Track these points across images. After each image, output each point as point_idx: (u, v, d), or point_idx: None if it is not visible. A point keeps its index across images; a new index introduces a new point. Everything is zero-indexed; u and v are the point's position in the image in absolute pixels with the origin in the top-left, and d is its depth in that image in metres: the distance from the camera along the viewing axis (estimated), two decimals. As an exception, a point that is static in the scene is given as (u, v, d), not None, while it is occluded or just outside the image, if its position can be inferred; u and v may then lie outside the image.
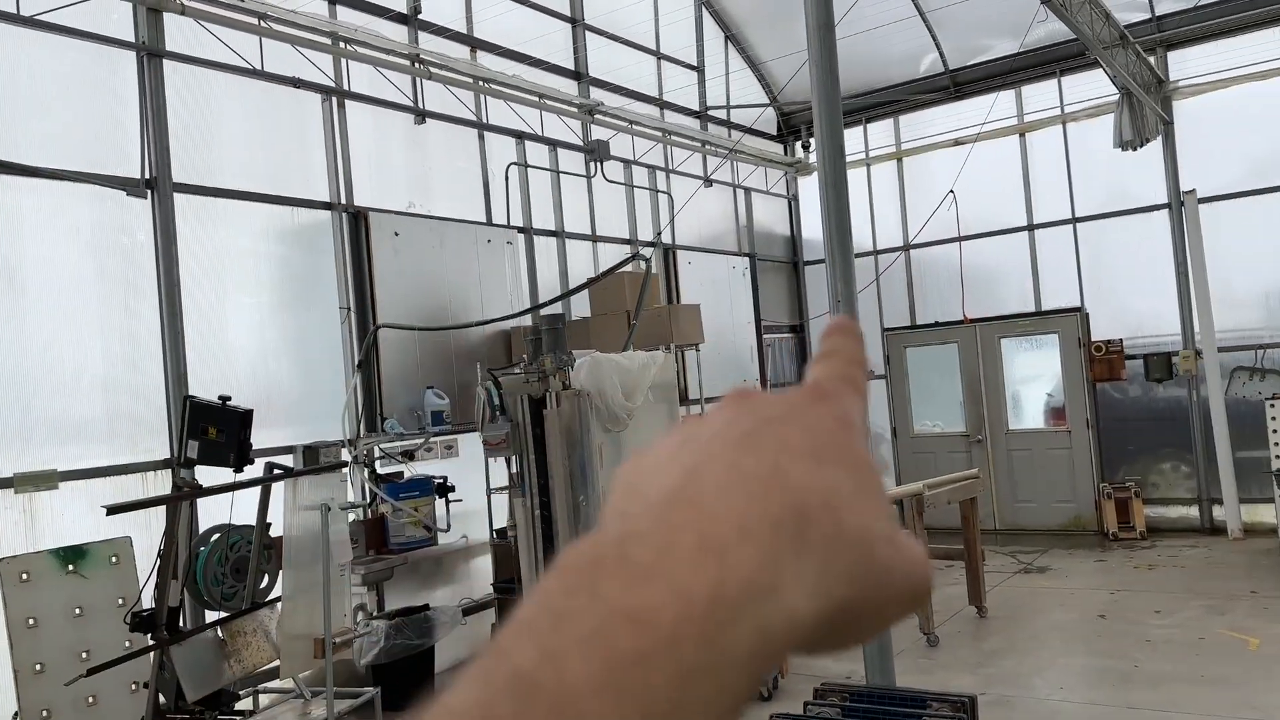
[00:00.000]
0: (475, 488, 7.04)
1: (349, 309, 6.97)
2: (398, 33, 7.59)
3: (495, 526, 7.15)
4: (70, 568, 5.09)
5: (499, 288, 8.11)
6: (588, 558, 0.32)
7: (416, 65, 7.56)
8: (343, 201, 7.06)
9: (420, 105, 7.75)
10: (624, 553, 0.32)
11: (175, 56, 6.08)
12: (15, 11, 5.38)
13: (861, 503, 0.36)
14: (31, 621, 4.96)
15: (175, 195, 5.96)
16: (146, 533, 5.31)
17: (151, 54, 5.94)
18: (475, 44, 8.39)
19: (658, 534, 0.32)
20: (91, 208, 5.72)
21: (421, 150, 7.89)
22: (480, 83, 8.15)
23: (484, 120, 8.37)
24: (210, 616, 5.22)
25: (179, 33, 6.11)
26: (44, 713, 4.91)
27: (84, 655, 4.98)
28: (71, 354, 5.57)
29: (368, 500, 6.46)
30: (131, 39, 5.90)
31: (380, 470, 6.70)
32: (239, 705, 4.89)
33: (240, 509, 5.09)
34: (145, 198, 5.86)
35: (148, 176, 5.87)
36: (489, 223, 8.32)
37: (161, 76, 5.96)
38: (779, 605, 0.32)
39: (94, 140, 5.75)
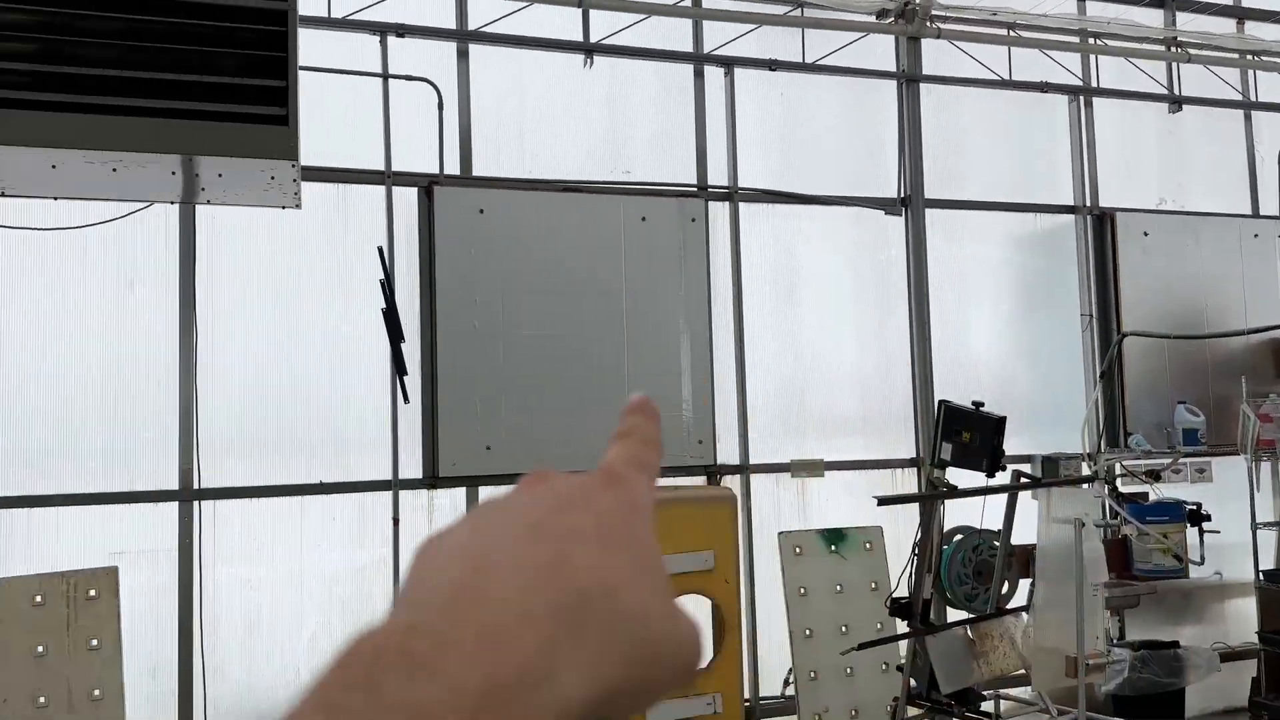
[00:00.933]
0: (1231, 519, 6.21)
1: (1091, 316, 6.67)
2: (1151, 18, 7.02)
3: (1262, 567, 6.21)
4: (832, 548, 5.71)
5: (1267, 289, 7.02)
6: (370, 651, 0.32)
7: (1173, 49, 6.92)
8: (1087, 203, 6.78)
9: (1175, 91, 7.08)
10: (406, 646, 0.32)
11: (929, 79, 6.45)
12: (801, 60, 6.22)
13: (641, 584, 0.37)
14: (802, 591, 5.69)
15: (926, 210, 6.32)
16: (893, 526, 5.72)
17: (909, 80, 6.38)
18: (1242, 14, 7.38)
19: (439, 627, 0.33)
20: (853, 227, 6.36)
21: (1174, 140, 7.20)
22: (1248, 57, 7.15)
23: (1251, 98, 7.32)
24: (951, 614, 5.43)
25: (931, 56, 6.47)
26: (811, 674, 5.59)
27: (843, 629, 5.55)
28: (835, 357, 6.26)
29: (1110, 519, 6.10)
30: (893, 69, 6.42)
31: (1122, 489, 6.28)
32: (984, 706, 4.99)
33: (981, 513, 5.20)
34: (899, 215, 6.33)
35: (902, 195, 6.32)
36: (1255, 214, 7.25)
37: (918, 99, 6.37)
38: (553, 691, 0.32)
39: (857, 165, 6.38)
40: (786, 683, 5.70)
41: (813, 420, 6.15)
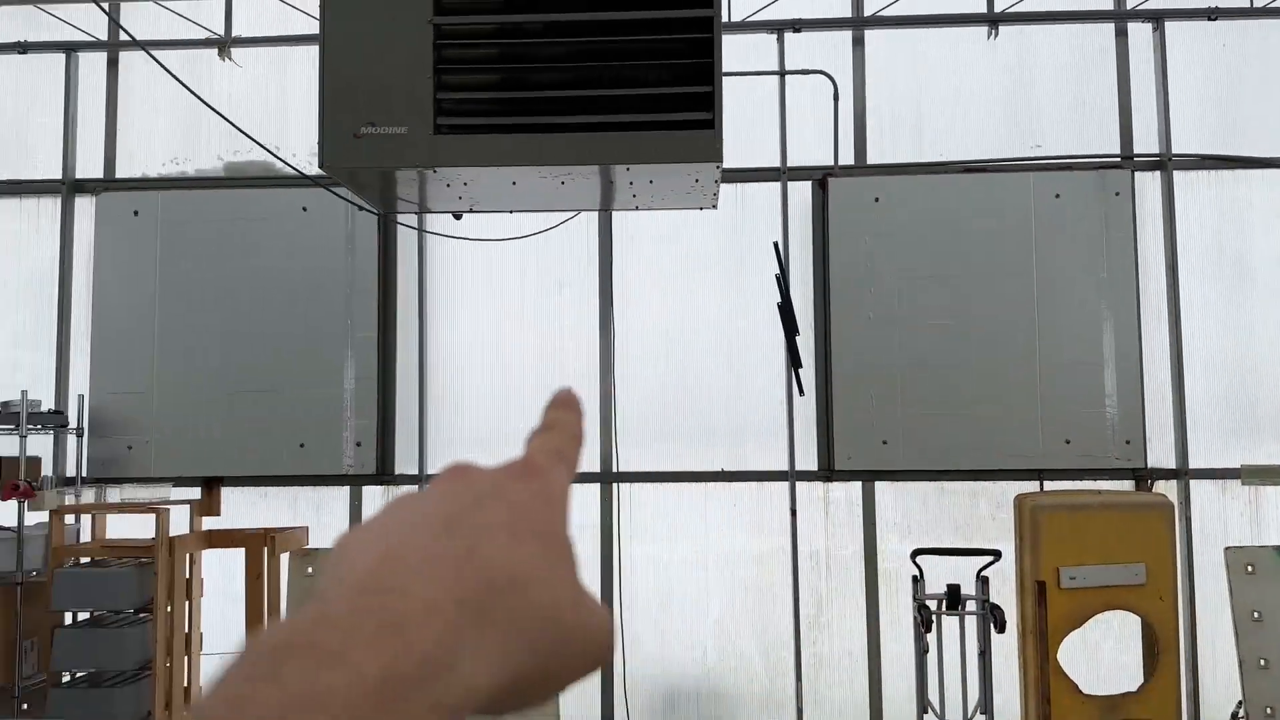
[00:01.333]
0: None
1: None
2: None
3: None
4: (1293, 567, 4.90)
5: None
6: (276, 642, 0.33)
7: None
8: None
9: None
10: (312, 638, 0.32)
11: None
12: (1249, 4, 5.38)
13: (552, 574, 0.39)
14: (1256, 615, 4.94)
15: None
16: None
17: (1399, 9, 5.28)
18: None
19: (346, 618, 0.33)
20: (1319, 192, 5.39)
21: None
22: None
23: None
24: None
25: None
26: (1268, 710, 4.84)
27: (1312, 663, 4.74)
28: (1297, 346, 5.36)
29: None
30: (1375, -2, 5.34)
31: None
32: None
33: None
34: (1386, 173, 5.26)
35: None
36: None
37: None
38: (456, 678, 0.33)
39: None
40: (1235, 717, 4.99)
41: (1269, 419, 5.31)
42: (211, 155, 5.69)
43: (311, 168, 5.50)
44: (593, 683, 5.25)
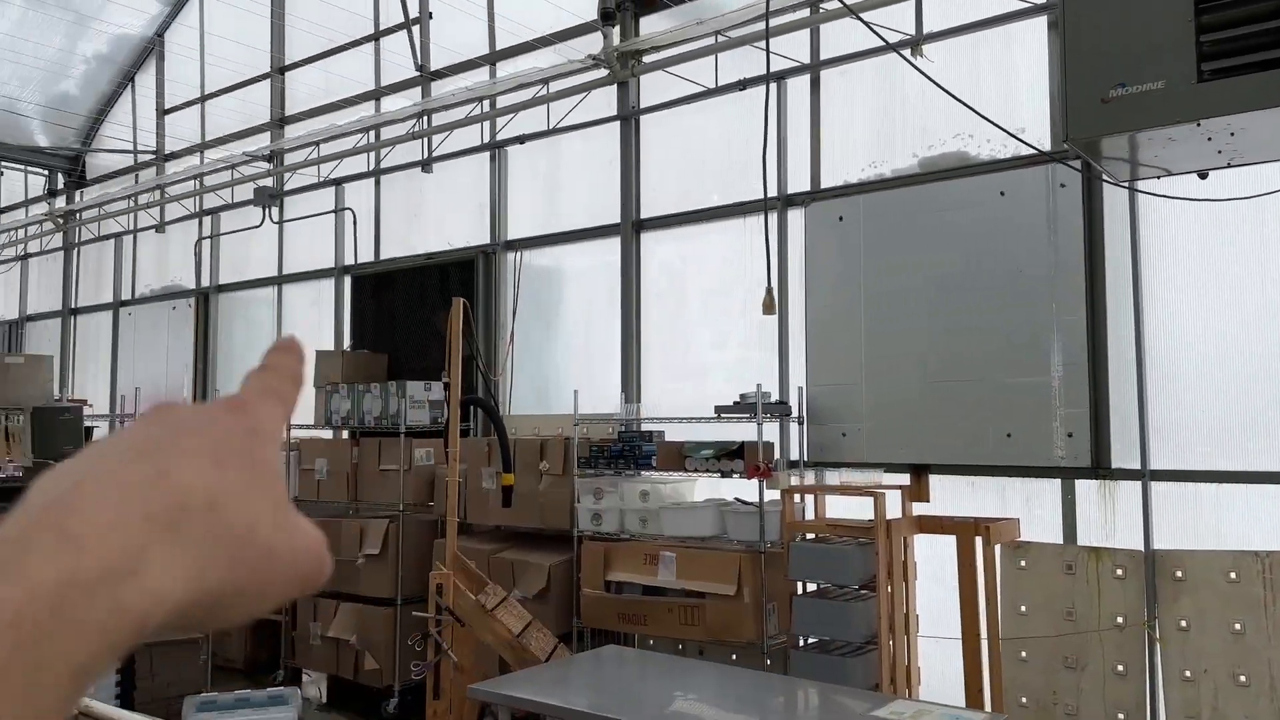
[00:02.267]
0: None
1: None
2: None
3: None
4: None
5: None
6: None
7: None
8: None
9: None
10: None
11: None
12: None
13: (253, 498, 0.41)
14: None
15: None
16: None
17: None
18: None
19: (23, 535, 0.35)
20: None
21: None
22: None
23: None
24: None
25: None
26: None
27: None
28: None
29: None
30: None
31: None
32: None
33: None
34: None
35: None
36: None
37: None
38: (140, 586, 0.36)
39: None
40: None
41: None
42: (905, 154, 5.90)
43: (1006, 150, 5.38)
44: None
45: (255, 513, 0.41)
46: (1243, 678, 4.42)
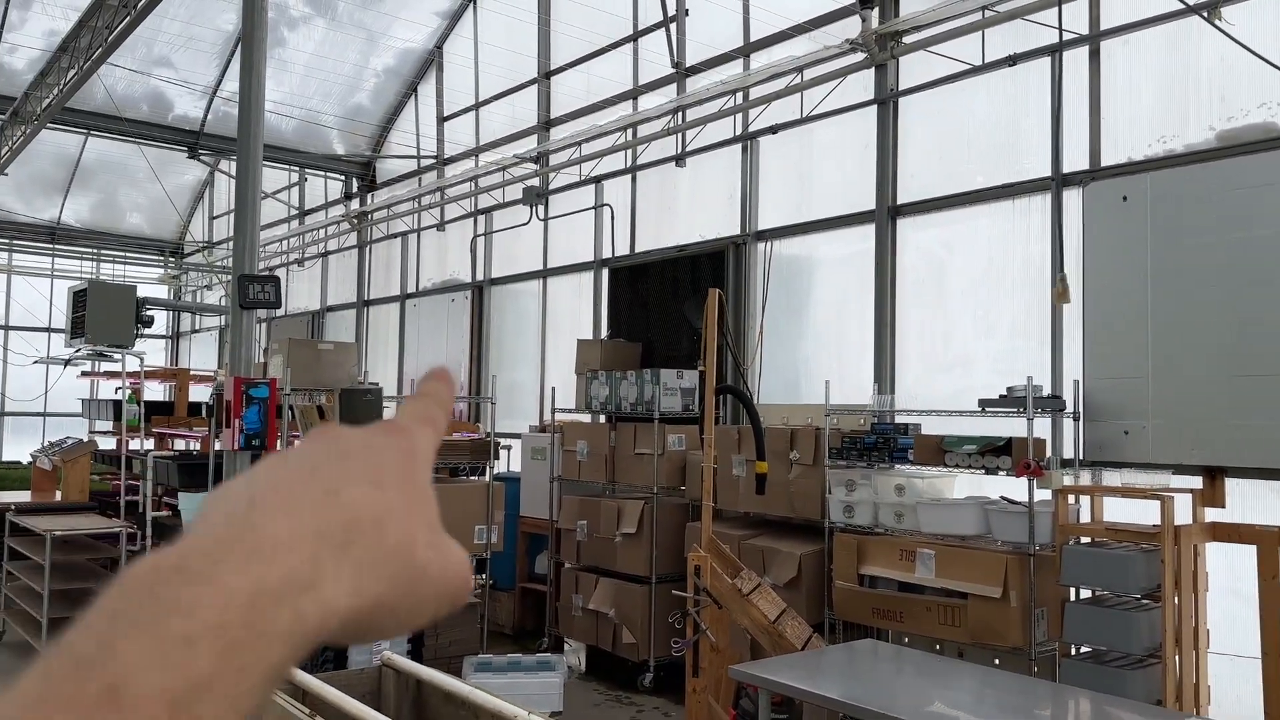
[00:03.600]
0: None
1: None
2: None
3: None
4: None
5: None
6: (148, 569, 0.37)
7: None
8: None
9: None
10: (182, 564, 0.37)
11: None
12: None
13: (410, 518, 0.43)
14: None
15: None
16: None
17: None
18: None
19: (213, 548, 0.38)
20: None
21: None
22: None
23: None
24: None
25: None
26: None
27: None
28: None
29: None
30: None
31: None
32: None
33: None
34: None
35: None
36: None
37: None
38: (316, 596, 0.38)
39: None
40: None
41: None
42: (1201, 127, 5.38)
43: (1327, 118, 4.78)
44: None
45: (412, 532, 0.43)
46: None
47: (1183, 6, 5.17)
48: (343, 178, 14.97)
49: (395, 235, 13.68)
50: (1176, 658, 4.63)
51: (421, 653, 5.87)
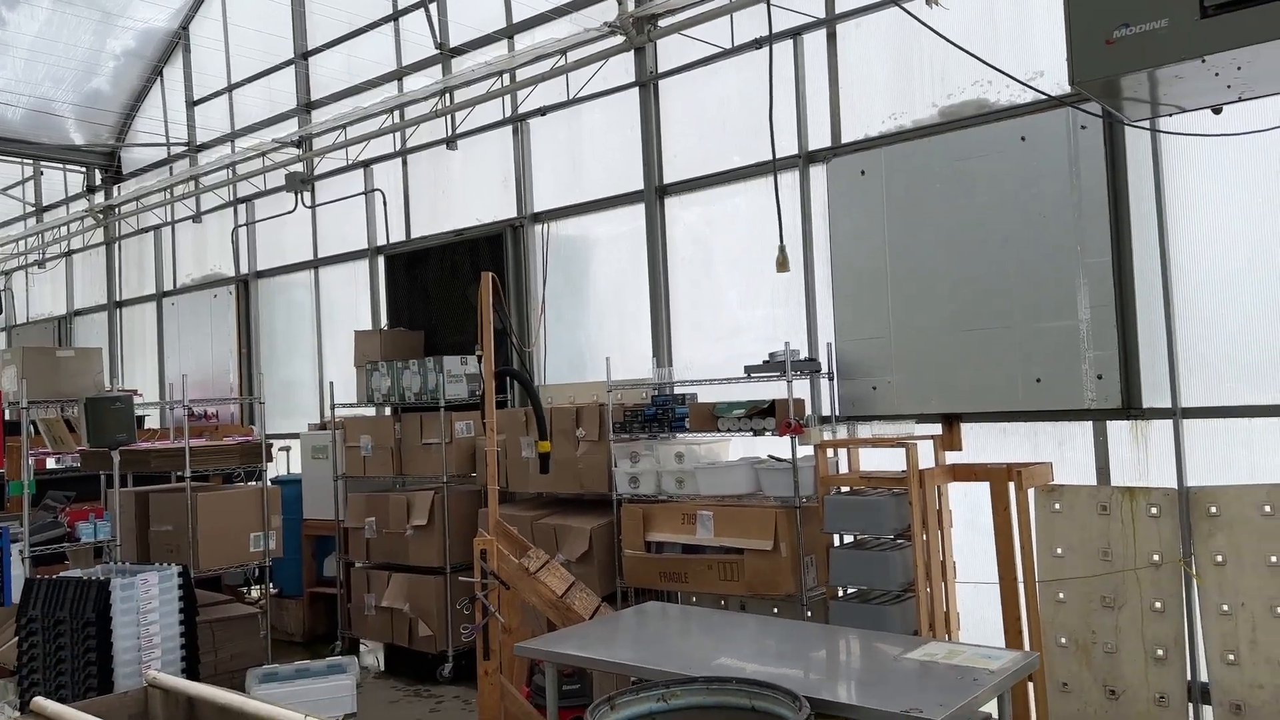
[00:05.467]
0: None
1: None
2: None
3: None
4: None
5: None
6: None
7: None
8: None
9: None
10: None
11: None
12: None
13: None
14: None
15: None
16: None
17: None
18: None
19: None
20: None
21: None
22: None
23: None
24: None
25: None
26: None
27: None
28: None
29: None
30: None
31: None
32: None
33: None
34: None
35: None
36: None
37: None
38: None
39: None
40: None
41: None
42: (925, 104, 5.88)
43: (1025, 95, 5.35)
44: None
45: None
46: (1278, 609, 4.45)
47: (905, -7, 5.61)
48: (84, 169, 13.73)
49: (147, 229, 12.71)
50: (928, 590, 5.09)
51: (197, 669, 5.56)
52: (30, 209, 14.20)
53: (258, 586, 8.58)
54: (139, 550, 7.13)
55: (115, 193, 13.23)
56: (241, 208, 11.25)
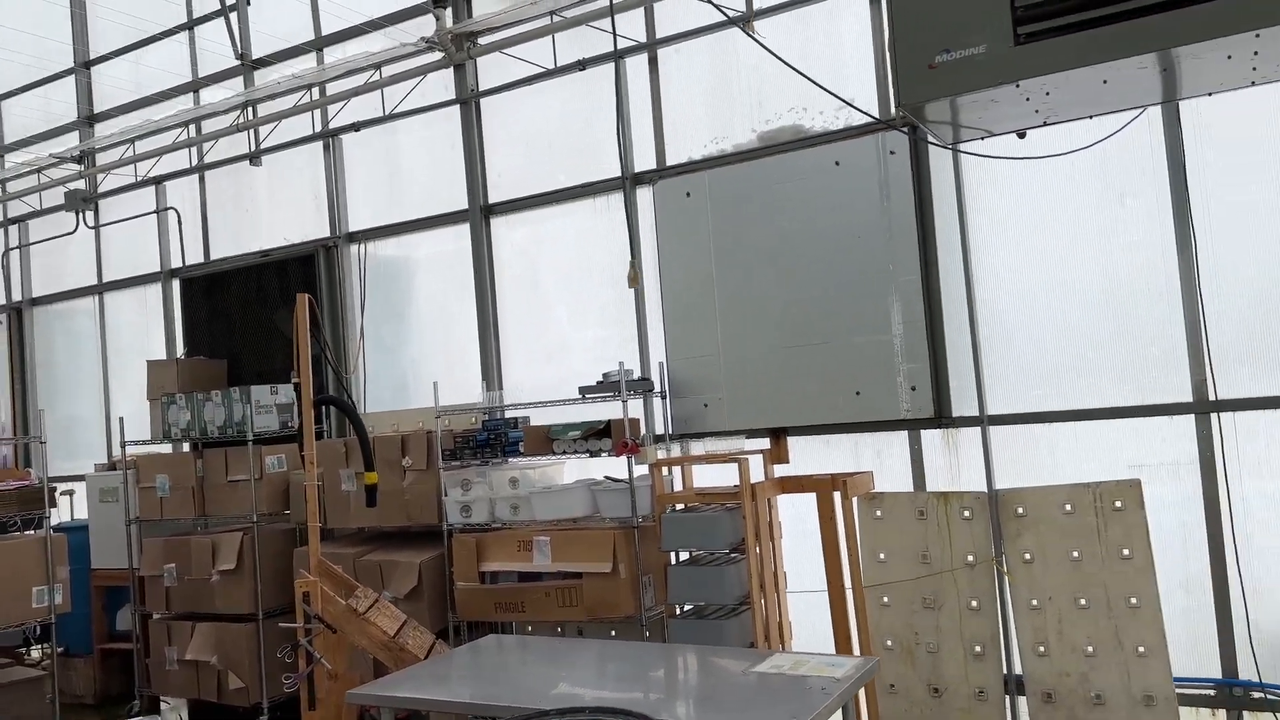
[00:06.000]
0: None
1: None
2: None
3: None
4: None
5: None
6: None
7: None
8: None
9: None
10: None
11: None
12: None
13: None
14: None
15: None
16: None
17: None
18: None
19: None
20: None
21: None
22: None
23: None
24: None
25: None
26: None
27: None
28: None
29: None
30: None
31: None
32: None
33: None
34: None
35: None
36: None
37: None
38: None
39: None
40: None
41: None
42: (745, 129, 6.03)
43: (838, 121, 5.59)
44: (1208, 633, 4.71)
45: None
46: (1083, 601, 4.79)
47: (724, 19, 5.76)
48: None
49: (-103, 253, 11.31)
50: (762, 601, 5.17)
51: (-29, 747, 4.91)
52: None
53: (40, 646, 7.72)
54: (-109, 615, 6.24)
55: None
56: (14, 229, 10.20)
